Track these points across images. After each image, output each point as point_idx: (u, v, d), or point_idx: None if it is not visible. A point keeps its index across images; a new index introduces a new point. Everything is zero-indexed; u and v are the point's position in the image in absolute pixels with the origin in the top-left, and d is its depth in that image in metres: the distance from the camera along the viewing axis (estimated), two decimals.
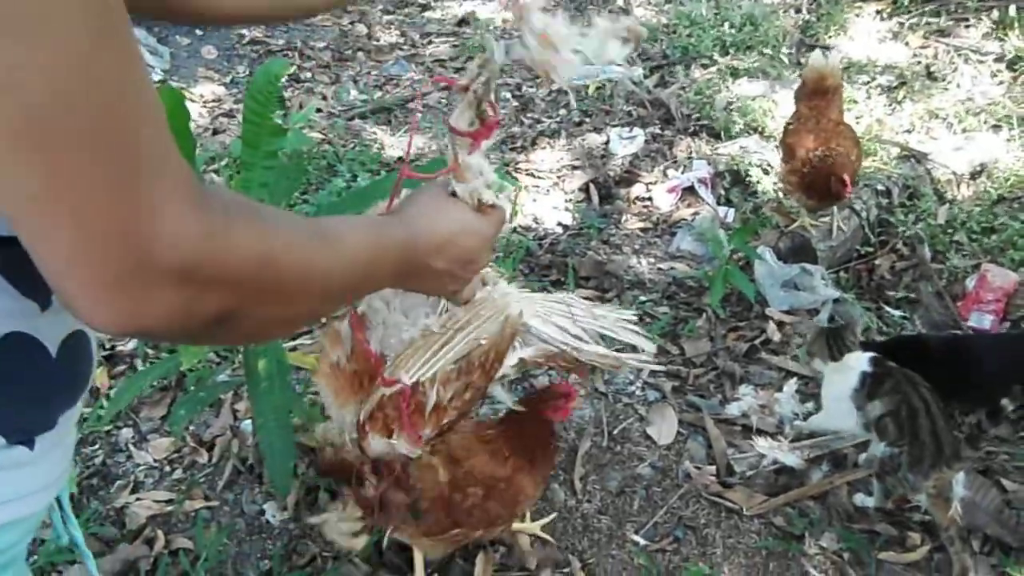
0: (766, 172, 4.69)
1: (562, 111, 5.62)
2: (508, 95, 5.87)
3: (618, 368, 1.45)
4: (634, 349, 1.68)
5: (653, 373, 3.48)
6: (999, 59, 5.77)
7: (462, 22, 7.06)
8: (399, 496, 1.39)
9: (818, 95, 3.93)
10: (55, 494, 1.10)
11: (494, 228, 1.28)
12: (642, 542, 2.81)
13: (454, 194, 1.26)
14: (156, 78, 5.58)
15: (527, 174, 4.88)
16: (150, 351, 3.54)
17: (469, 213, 1.25)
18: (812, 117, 3.89)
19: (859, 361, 2.83)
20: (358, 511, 1.57)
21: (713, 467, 3.05)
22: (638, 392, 3.40)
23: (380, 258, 1.10)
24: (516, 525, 2.79)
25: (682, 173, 4.80)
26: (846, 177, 3.65)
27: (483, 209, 1.26)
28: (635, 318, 1.51)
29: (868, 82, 5.57)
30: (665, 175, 4.85)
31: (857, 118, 5.14)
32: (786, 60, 5.99)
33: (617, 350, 1.60)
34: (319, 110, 5.38)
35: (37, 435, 1.00)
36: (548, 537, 2.84)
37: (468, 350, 1.29)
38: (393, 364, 1.30)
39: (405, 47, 6.70)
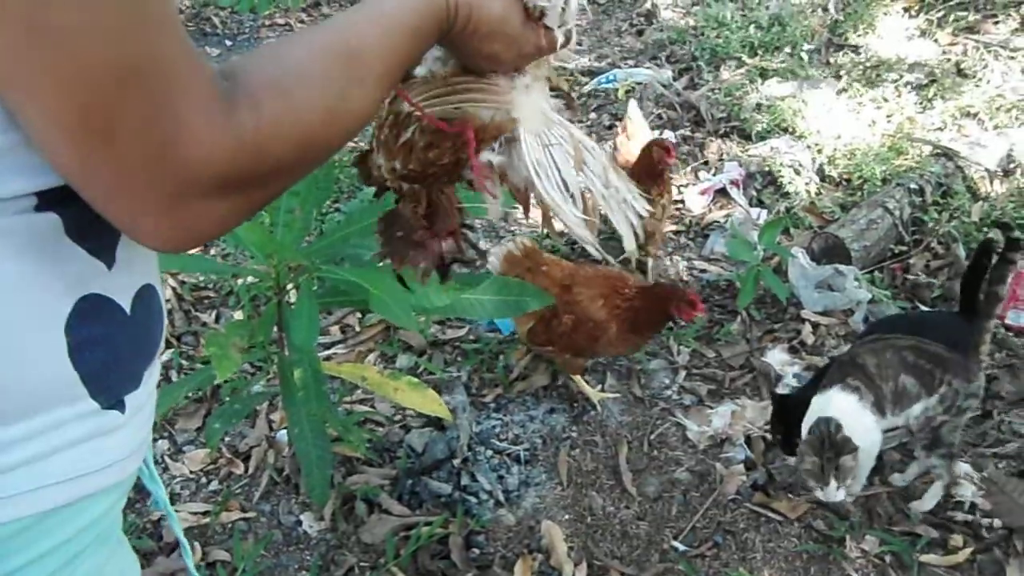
0: (798, 172, 4.66)
1: (592, 115, 5.61)
2: None
3: (553, 228, 1.24)
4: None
5: (689, 376, 3.46)
6: None
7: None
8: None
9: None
10: (143, 456, 1.10)
11: (535, 47, 1.15)
12: (681, 548, 2.79)
13: None
14: None
15: None
16: (184, 362, 3.54)
17: (519, 17, 1.12)
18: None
19: (834, 398, 2.73)
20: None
21: (752, 471, 3.03)
22: (674, 396, 3.38)
23: (412, 47, 1.03)
24: (585, 388, 3.34)
25: (714, 175, 4.78)
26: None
27: (539, 24, 1.14)
28: (646, 213, 1.31)
29: (897, 80, 5.53)
30: (697, 177, 4.83)
31: (888, 117, 5.12)
32: (815, 60, 5.95)
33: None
34: None
35: (126, 395, 1.00)
36: (615, 395, 3.37)
37: (454, 117, 1.15)
38: (404, 87, 1.16)
39: None
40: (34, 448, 0.90)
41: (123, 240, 0.96)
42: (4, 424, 0.88)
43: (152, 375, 1.07)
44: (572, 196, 1.19)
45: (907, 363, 2.70)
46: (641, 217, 1.27)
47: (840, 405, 2.66)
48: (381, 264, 1.30)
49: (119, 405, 0.99)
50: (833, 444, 2.59)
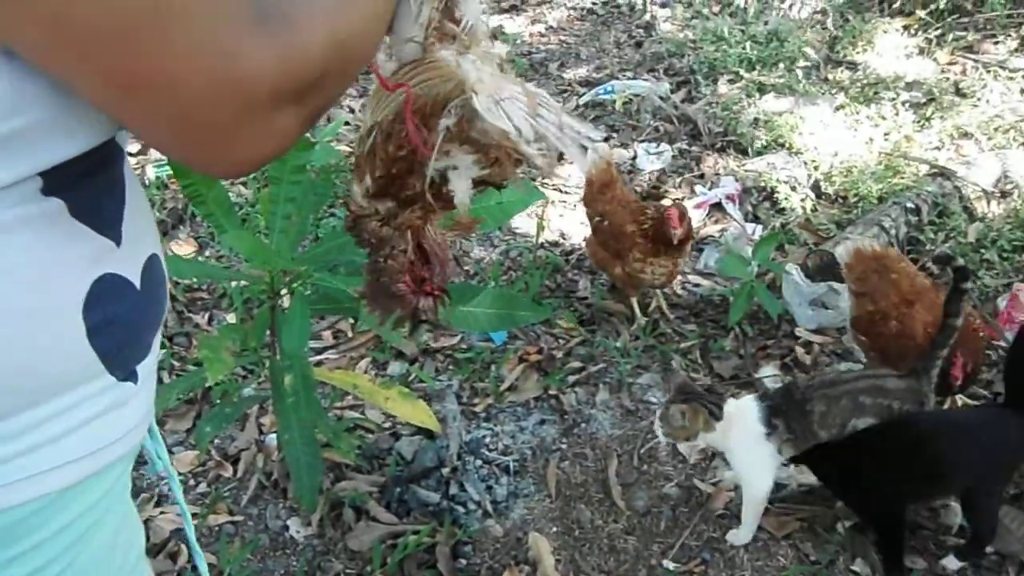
0: (794, 188, 4.66)
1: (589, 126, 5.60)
2: None
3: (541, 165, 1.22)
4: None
5: None
6: None
7: (490, 36, 7.02)
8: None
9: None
10: (150, 422, 1.14)
11: None
12: (670, 565, 2.78)
13: None
14: None
15: (554, 189, 4.86)
16: (176, 363, 3.53)
17: None
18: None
19: (747, 405, 2.77)
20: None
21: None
22: None
23: None
24: None
25: (709, 189, 4.77)
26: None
27: None
28: (600, 137, 1.30)
29: (895, 98, 5.53)
30: (692, 191, 4.82)
31: (885, 135, 5.12)
32: (813, 76, 5.96)
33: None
34: (347, 123, 5.35)
35: (137, 365, 1.03)
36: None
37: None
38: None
39: None
40: (58, 426, 0.93)
41: (127, 215, 0.98)
42: (31, 407, 0.90)
43: (157, 340, 1.10)
44: (527, 139, 1.19)
45: (863, 406, 2.72)
46: (594, 144, 1.26)
47: (751, 431, 2.71)
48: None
49: (132, 376, 1.02)
50: (682, 394, 2.73)
